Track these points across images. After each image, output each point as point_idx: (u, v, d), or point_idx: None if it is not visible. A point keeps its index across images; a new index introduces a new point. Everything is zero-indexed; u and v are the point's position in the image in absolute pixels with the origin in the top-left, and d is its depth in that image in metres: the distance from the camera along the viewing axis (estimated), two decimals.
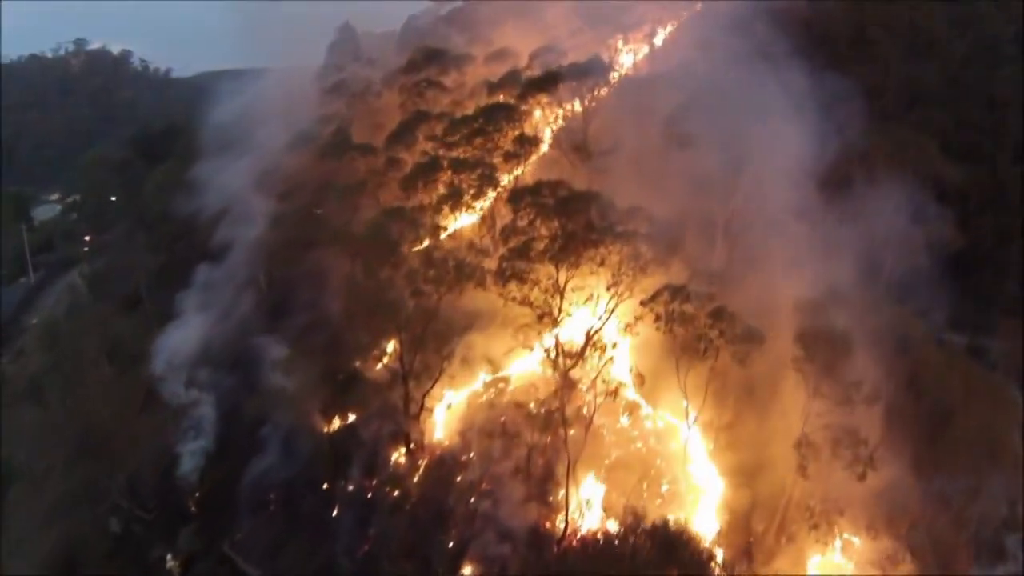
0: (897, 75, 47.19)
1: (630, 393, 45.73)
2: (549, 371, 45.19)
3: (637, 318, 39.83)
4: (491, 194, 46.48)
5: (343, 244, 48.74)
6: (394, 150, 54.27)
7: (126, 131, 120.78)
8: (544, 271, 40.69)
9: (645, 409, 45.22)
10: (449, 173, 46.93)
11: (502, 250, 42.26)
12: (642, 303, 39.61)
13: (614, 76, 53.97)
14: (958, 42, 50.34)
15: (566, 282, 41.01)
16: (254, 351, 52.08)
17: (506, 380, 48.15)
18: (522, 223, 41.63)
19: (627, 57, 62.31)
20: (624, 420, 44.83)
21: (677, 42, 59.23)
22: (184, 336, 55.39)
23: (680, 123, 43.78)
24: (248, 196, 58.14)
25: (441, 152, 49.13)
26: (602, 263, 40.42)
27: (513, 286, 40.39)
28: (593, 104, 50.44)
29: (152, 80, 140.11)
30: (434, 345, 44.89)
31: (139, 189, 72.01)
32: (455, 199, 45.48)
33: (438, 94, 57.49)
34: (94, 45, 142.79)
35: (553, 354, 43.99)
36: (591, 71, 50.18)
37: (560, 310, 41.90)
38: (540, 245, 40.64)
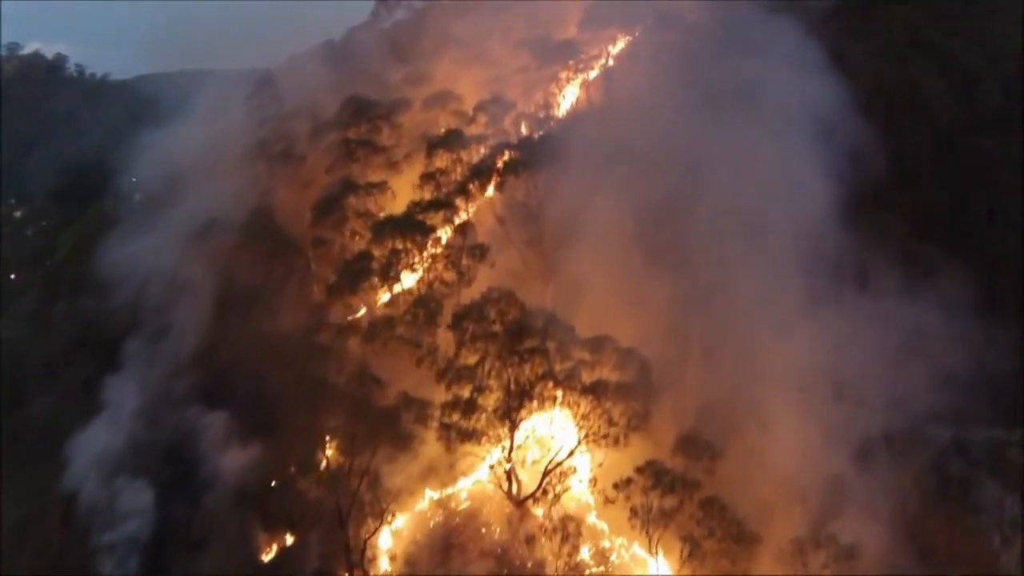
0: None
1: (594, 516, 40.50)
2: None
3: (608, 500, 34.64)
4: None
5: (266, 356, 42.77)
6: (321, 228, 48.18)
7: (64, 141, 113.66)
8: (494, 431, 35.41)
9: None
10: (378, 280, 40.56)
11: (444, 395, 36.35)
12: (615, 486, 34.64)
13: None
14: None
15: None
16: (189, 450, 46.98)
17: (455, 498, 42.81)
18: (467, 359, 35.62)
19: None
20: (585, 553, 39.51)
21: (634, 84, 52.46)
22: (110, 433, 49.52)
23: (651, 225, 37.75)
24: (173, 271, 51.78)
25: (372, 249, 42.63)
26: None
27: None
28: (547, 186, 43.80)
29: (89, 85, 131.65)
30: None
31: (53, 246, 65.73)
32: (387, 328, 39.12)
33: (370, 153, 50.98)
34: (27, 49, 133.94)
35: (504, 485, 38.85)
36: (547, 149, 43.22)
37: (511, 448, 36.48)
38: (489, 400, 34.85)
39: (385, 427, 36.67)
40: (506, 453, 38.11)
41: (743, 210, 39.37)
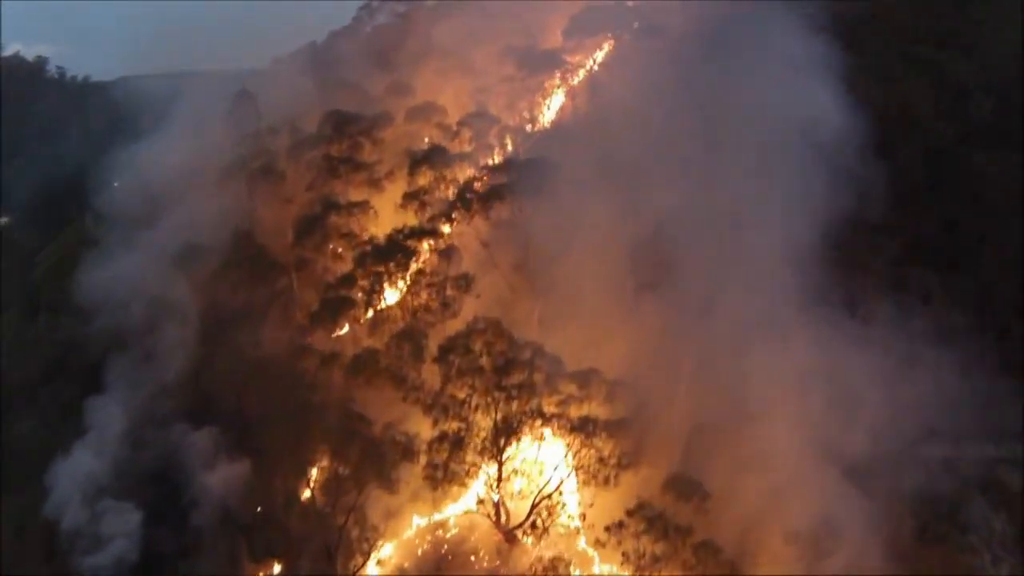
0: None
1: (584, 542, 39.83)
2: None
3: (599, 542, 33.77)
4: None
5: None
6: (303, 249, 47.27)
7: (46, 147, 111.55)
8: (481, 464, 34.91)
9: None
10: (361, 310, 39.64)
11: (432, 431, 35.55)
12: (607, 529, 33.87)
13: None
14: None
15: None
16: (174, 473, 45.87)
17: (444, 526, 42.13)
18: (453, 393, 34.86)
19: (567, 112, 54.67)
20: None
21: (620, 95, 51.44)
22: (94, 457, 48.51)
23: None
24: (155, 292, 50.58)
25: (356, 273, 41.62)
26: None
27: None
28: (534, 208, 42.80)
29: (70, 88, 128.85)
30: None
31: (30, 265, 64.36)
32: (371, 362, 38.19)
33: (351, 171, 49.93)
34: (7, 51, 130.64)
35: (493, 515, 38.20)
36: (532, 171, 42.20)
37: (499, 480, 35.78)
38: (477, 439, 34.08)
39: (371, 466, 35.75)
40: (494, 485, 37.28)
41: (731, 232, 38.36)
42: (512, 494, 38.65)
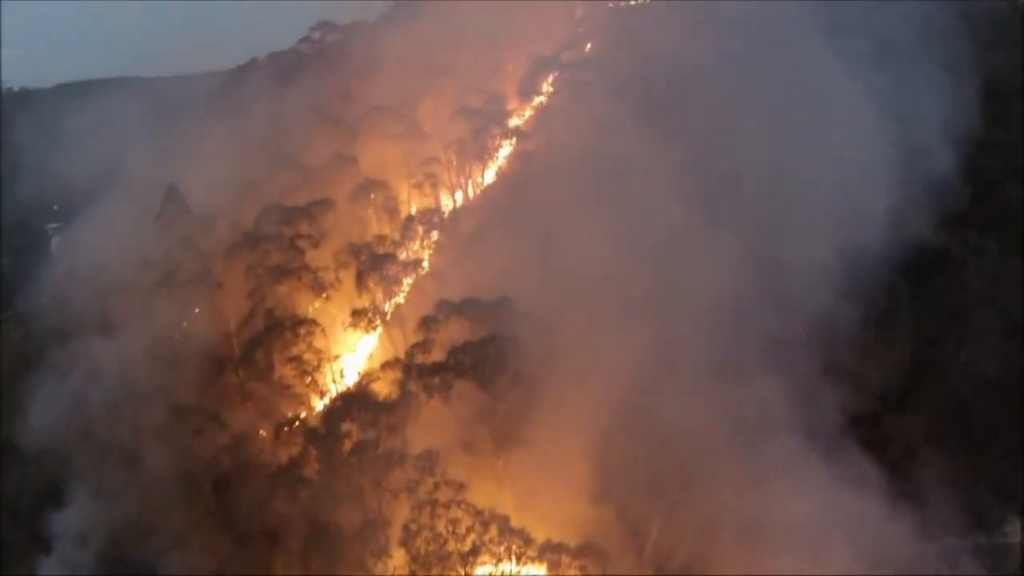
0: None
1: None
2: None
3: None
4: None
5: None
6: (248, 375, 43.56)
7: None
8: None
9: None
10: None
11: None
12: None
13: None
14: None
15: None
16: None
17: None
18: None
19: None
20: None
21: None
22: None
23: None
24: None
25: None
26: None
27: None
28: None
29: (4, 97, 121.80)
30: None
31: None
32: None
33: (295, 280, 45.73)
34: None
35: None
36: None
37: None
38: None
39: None
40: None
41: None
42: None
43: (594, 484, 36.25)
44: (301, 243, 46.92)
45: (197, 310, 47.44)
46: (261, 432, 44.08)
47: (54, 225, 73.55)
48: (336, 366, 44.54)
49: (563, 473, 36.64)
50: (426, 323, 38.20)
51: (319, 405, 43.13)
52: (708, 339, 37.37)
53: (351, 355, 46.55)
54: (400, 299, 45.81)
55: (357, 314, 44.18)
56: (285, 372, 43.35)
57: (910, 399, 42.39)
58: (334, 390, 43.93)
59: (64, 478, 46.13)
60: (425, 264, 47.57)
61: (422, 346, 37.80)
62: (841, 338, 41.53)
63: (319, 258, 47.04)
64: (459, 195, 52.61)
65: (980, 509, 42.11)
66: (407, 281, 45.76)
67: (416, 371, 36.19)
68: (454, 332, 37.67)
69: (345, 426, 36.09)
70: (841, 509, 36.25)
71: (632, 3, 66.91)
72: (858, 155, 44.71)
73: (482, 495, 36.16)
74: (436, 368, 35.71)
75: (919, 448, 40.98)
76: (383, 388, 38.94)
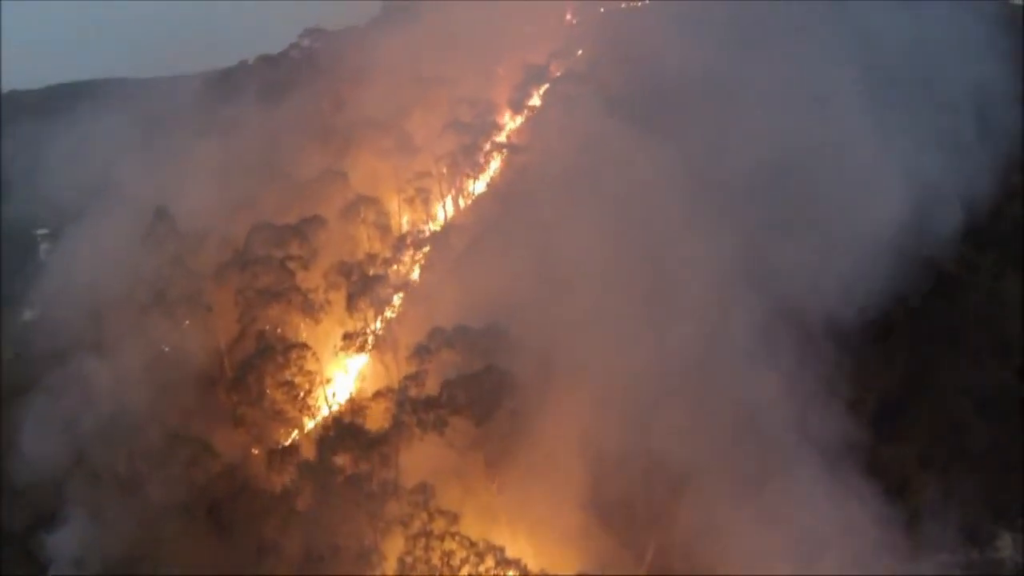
0: None
1: None
2: None
3: None
4: None
5: None
6: (240, 400, 43.18)
7: None
8: None
9: None
10: None
11: None
12: None
13: None
14: None
15: None
16: None
17: None
18: None
19: None
20: None
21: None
22: None
23: None
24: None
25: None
26: None
27: None
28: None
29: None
30: None
31: None
32: None
33: (284, 303, 45.42)
34: None
35: None
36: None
37: None
38: None
39: None
40: None
41: None
42: None
43: (590, 513, 36.04)
44: (291, 264, 46.52)
45: (188, 332, 46.85)
46: (254, 451, 43.91)
47: (42, 231, 72.75)
48: (328, 388, 44.33)
49: (558, 502, 36.49)
50: (418, 353, 37.78)
51: (312, 428, 42.88)
52: (704, 364, 36.79)
53: (344, 376, 46.33)
54: (392, 316, 45.49)
55: (349, 337, 43.76)
56: (277, 396, 43.01)
57: (906, 418, 42.30)
58: (327, 412, 43.75)
59: (59, 504, 46.02)
60: (416, 281, 47.16)
61: (415, 378, 37.39)
62: (839, 355, 41.40)
63: (309, 279, 46.68)
64: (451, 209, 52.04)
65: (973, 524, 42.13)
66: (399, 299, 45.26)
67: (410, 405, 35.78)
68: (447, 362, 37.33)
69: (339, 459, 35.70)
70: (835, 525, 36.14)
71: (624, 5, 66.41)
72: (860, 173, 44.29)
73: (476, 526, 36.01)
74: (430, 403, 35.31)
75: (913, 468, 40.89)
76: (376, 418, 38.61)
